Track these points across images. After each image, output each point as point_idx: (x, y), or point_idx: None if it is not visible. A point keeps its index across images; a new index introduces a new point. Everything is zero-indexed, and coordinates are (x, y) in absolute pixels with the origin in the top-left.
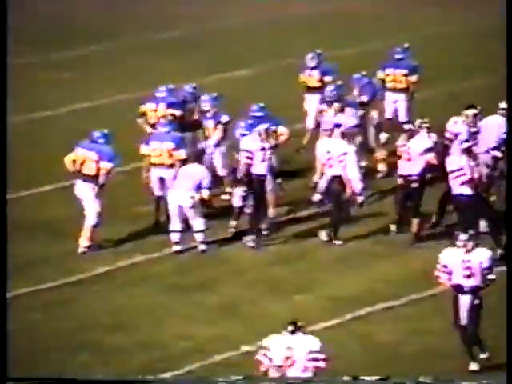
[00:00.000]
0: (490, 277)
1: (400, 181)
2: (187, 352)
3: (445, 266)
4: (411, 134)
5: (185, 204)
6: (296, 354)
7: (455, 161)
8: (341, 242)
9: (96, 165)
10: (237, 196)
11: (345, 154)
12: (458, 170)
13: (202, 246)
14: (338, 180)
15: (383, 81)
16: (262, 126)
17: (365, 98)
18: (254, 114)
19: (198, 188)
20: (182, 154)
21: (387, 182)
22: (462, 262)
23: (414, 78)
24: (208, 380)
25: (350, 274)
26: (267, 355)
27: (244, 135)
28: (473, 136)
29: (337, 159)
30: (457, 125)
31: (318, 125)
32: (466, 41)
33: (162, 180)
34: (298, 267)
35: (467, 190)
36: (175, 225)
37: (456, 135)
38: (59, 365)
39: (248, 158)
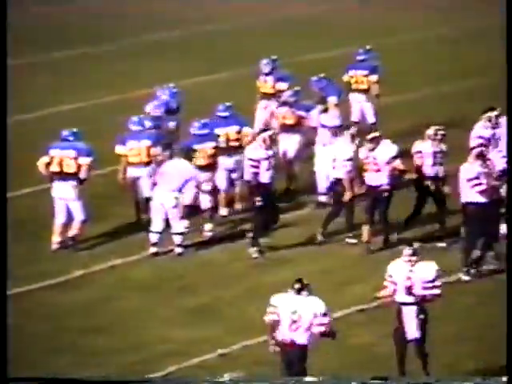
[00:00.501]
0: (435, 292)
1: (366, 191)
2: (165, 354)
3: (391, 277)
4: (377, 140)
5: (168, 204)
6: (302, 319)
7: (470, 168)
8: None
9: (75, 162)
10: (205, 196)
11: (350, 159)
12: (475, 178)
13: (179, 249)
14: (340, 182)
15: (349, 83)
16: (232, 128)
17: (334, 100)
18: (219, 113)
19: (185, 185)
20: (159, 150)
21: None
22: (407, 274)
23: (374, 78)
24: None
25: (325, 277)
26: (275, 312)
27: (197, 135)
28: (494, 140)
29: (341, 162)
30: (482, 129)
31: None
32: (441, 46)
33: (138, 179)
34: (276, 270)
35: (482, 199)
36: (156, 225)
37: (489, 139)
38: (38, 367)
39: (253, 166)
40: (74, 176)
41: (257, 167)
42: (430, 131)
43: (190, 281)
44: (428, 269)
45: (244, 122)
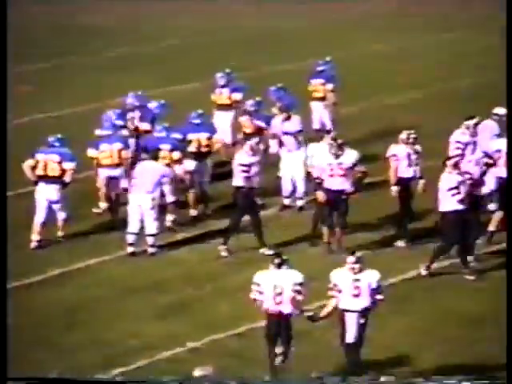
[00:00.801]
0: (378, 297)
1: (324, 195)
2: (137, 349)
3: (335, 285)
4: (342, 147)
5: (144, 206)
6: (285, 291)
7: (449, 178)
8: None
9: (59, 166)
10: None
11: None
12: (455, 188)
13: (152, 249)
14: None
15: (310, 92)
16: (203, 135)
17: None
18: (192, 120)
19: (158, 185)
20: (129, 153)
21: None
22: (352, 282)
23: (329, 87)
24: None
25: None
26: (259, 290)
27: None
28: (472, 147)
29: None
30: (461, 135)
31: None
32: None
33: (110, 180)
34: (244, 269)
35: (460, 206)
36: (133, 226)
37: (466, 145)
38: (15, 362)
39: (244, 171)
40: (57, 179)
41: (247, 172)
42: (403, 135)
43: (161, 279)
44: (372, 276)
45: (214, 130)
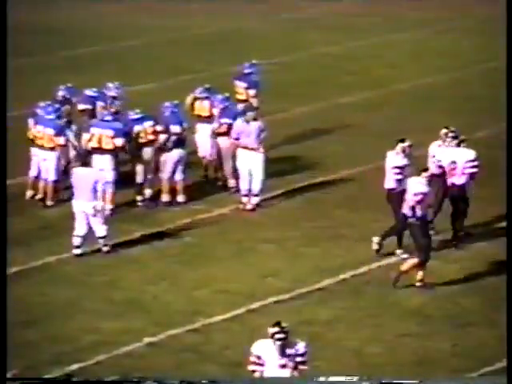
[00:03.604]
0: (302, 367)
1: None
2: (95, 344)
3: (258, 358)
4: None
5: (88, 212)
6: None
7: (419, 184)
8: None
9: (111, 140)
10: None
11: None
12: (423, 194)
13: (105, 248)
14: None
15: (234, 93)
16: (147, 123)
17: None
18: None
19: (95, 192)
20: (61, 140)
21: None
22: (278, 354)
23: (252, 93)
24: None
25: (248, 270)
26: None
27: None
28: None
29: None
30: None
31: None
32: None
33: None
34: (196, 264)
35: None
36: (79, 230)
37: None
38: None
39: (398, 173)
40: (110, 151)
41: (401, 174)
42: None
43: (116, 277)
44: (299, 346)
45: (156, 120)
